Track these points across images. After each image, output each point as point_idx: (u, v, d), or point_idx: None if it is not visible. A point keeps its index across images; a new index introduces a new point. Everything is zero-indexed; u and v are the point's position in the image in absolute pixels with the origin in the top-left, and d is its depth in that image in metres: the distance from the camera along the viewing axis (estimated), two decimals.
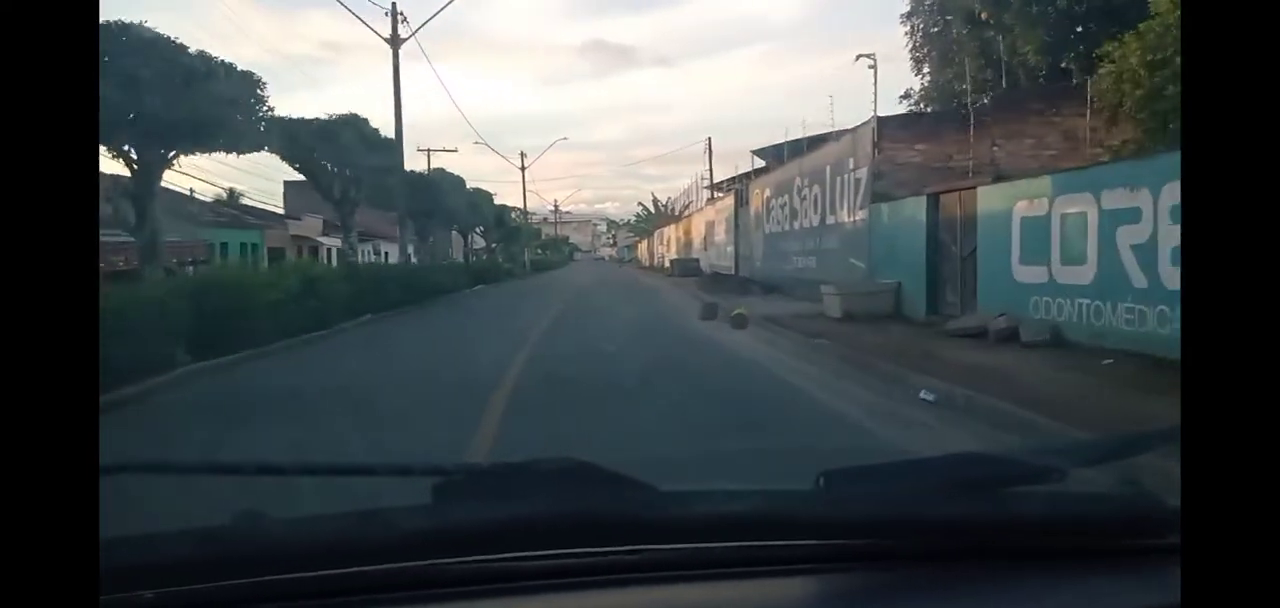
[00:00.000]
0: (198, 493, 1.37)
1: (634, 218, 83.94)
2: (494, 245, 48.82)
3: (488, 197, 40.09)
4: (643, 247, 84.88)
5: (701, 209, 41.96)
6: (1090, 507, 1.16)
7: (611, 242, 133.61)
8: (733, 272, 29.29)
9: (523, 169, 53.83)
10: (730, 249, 31.14)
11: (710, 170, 40.56)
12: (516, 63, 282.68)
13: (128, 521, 0.94)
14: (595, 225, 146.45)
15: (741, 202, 30.06)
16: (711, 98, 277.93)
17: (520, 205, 55.87)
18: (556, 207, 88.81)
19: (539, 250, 78.48)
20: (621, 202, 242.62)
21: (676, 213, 66.28)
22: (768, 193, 23.74)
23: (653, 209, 77.30)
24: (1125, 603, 1.01)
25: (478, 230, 43.59)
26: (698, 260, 39.34)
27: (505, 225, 46.37)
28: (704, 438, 5.44)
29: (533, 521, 0.98)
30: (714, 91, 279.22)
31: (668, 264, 50.68)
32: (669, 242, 57.28)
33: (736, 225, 30.07)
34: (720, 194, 38.07)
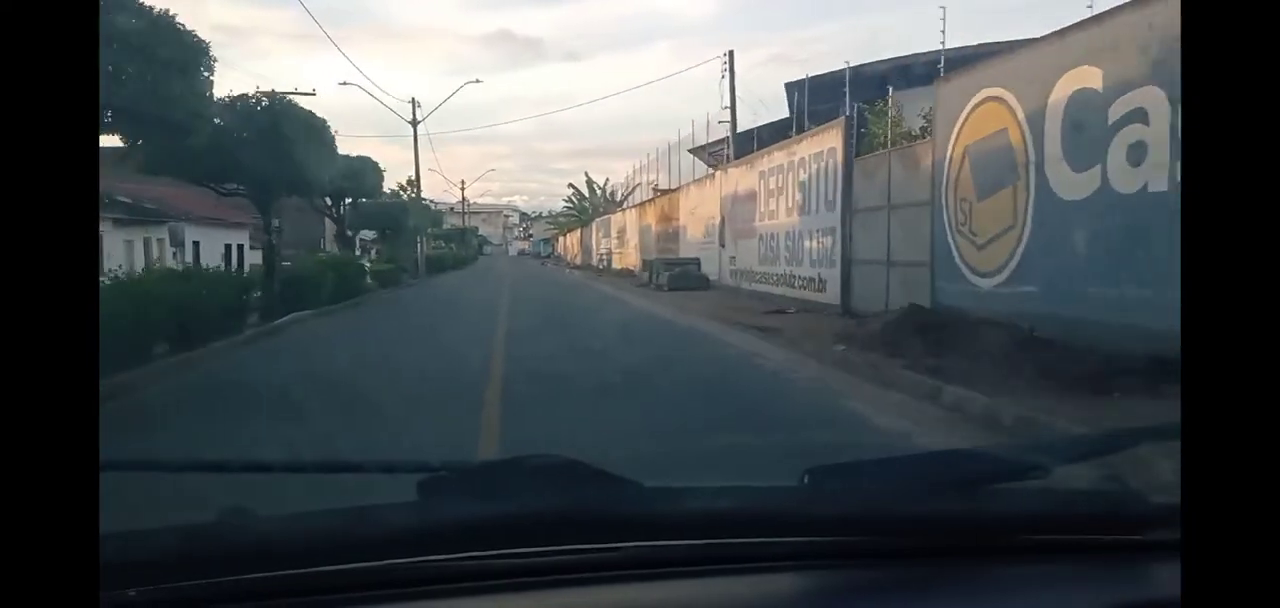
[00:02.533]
0: (183, 490, 1.40)
1: (563, 205, 67.07)
2: (351, 233, 29.15)
3: (318, 127, 15.98)
4: (569, 241, 68.83)
5: (707, 178, 25.94)
6: (1074, 503, 1.17)
7: (524, 234, 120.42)
8: (822, 290, 13.67)
9: (414, 124, 36.94)
10: (816, 243, 15.06)
11: (732, 104, 24.68)
12: (420, 51, 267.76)
13: (111, 518, 0.89)
14: (506, 216, 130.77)
15: (859, 143, 14.00)
16: (620, 93, 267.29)
17: (437, 192, 38.15)
18: (463, 188, 71.61)
19: (439, 242, 59.94)
20: (530, 195, 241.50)
21: (620, 199, 50.72)
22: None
23: (587, 193, 60.89)
24: (1109, 598, 1.01)
25: (321, 201, 24.07)
26: (697, 262, 23.49)
27: (370, 193, 26.08)
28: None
29: (519, 518, 0.99)
30: (622, 87, 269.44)
31: (629, 267, 34.89)
32: (623, 234, 41.25)
33: (846, 193, 13.94)
34: (722, 161, 22.08)
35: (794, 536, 1.08)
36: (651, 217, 34.12)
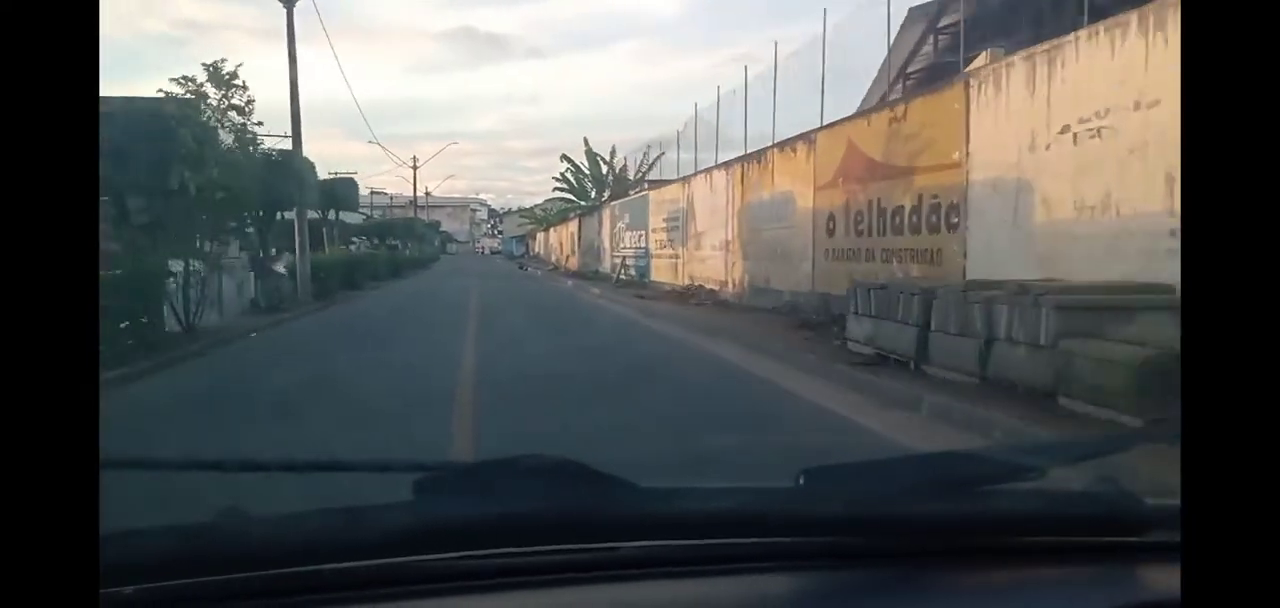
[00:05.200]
0: (179, 489, 1.43)
1: (554, 184, 48.07)
2: None
3: None
4: (558, 238, 50.85)
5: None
6: (1068, 505, 1.17)
7: (494, 231, 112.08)
8: None
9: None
10: None
11: None
12: (382, 49, 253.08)
13: (107, 516, 0.89)
14: (474, 211, 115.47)
15: None
16: (586, 92, 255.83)
17: (393, 184, 20.97)
18: (414, 164, 52.60)
19: (368, 240, 40.01)
20: (498, 193, 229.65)
21: (637, 176, 32.72)
22: None
23: (587, 170, 42.16)
24: (1106, 600, 1.02)
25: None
26: None
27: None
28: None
29: (514, 517, 1.00)
30: (588, 86, 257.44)
31: (706, 282, 16.67)
32: (680, 222, 22.64)
33: None
34: None
35: (789, 536, 1.10)
36: (796, 173, 15.39)
